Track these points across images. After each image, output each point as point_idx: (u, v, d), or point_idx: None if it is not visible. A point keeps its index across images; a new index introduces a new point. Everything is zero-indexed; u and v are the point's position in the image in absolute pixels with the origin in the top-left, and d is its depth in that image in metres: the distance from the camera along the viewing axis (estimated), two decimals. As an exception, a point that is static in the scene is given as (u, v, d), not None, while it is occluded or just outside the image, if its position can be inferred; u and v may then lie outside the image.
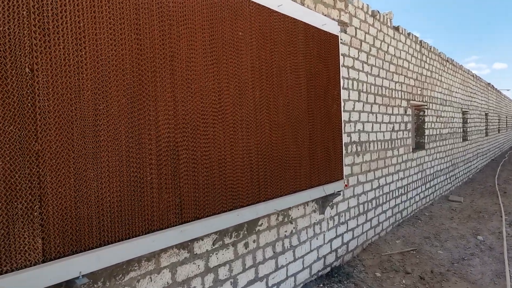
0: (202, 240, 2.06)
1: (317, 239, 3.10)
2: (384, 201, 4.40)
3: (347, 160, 3.55)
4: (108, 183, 1.42)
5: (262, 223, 2.50)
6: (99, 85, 1.40)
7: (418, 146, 5.91)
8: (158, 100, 1.61)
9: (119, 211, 1.45)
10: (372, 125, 4.10)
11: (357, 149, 3.75)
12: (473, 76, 9.40)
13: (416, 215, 5.26)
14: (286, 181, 2.45)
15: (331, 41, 2.99)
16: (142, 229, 1.53)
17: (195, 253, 2.02)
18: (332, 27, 2.98)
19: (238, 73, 2.05)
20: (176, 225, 1.69)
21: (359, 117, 3.81)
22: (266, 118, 2.27)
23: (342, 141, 3.10)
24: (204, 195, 1.85)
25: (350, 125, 3.63)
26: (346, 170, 3.53)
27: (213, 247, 2.13)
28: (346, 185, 3.25)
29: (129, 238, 1.48)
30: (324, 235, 3.20)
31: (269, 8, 2.26)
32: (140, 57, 1.54)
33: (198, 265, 2.04)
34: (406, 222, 4.89)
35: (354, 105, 3.71)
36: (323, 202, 3.12)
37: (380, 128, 4.29)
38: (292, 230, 2.80)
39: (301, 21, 2.59)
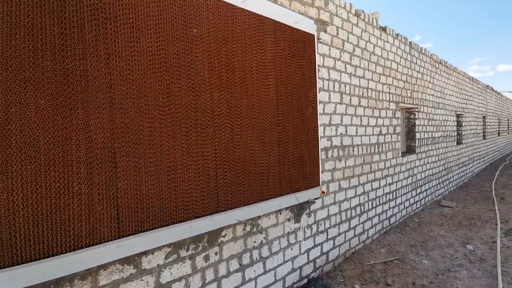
0: (152, 254, 1.90)
1: (291, 249, 2.93)
2: (370, 207, 4.23)
3: (327, 165, 3.39)
4: (20, 195, 1.26)
5: (226, 234, 2.33)
6: (12, 84, 1.25)
7: (409, 150, 5.74)
8: (89, 102, 1.46)
9: (34, 226, 1.29)
10: (357, 128, 3.94)
11: (338, 154, 3.59)
12: (469, 78, 9.23)
13: (405, 221, 5.08)
14: (251, 189, 2.28)
15: (306, 40, 2.83)
16: (65, 246, 1.37)
17: (143, 268, 1.85)
18: (307, 26, 2.83)
19: (191, 73, 1.90)
20: (111, 240, 1.53)
21: (341, 120, 3.65)
22: (226, 121, 2.11)
23: (318, 146, 2.94)
24: (149, 206, 1.69)
25: (331, 129, 3.47)
26: (326, 176, 3.37)
27: (166, 261, 1.97)
28: (323, 192, 3.08)
29: (48, 257, 1.32)
30: (300, 245, 3.03)
31: (230, 4, 2.11)
32: (66, 54, 1.39)
33: (147, 282, 1.87)
34: (394, 229, 4.71)
35: (335, 107, 3.55)
36: (299, 210, 2.95)
37: (365, 132, 4.12)
38: (262, 241, 2.63)
39: (270, 19, 2.44)
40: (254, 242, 2.57)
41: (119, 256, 1.56)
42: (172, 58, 1.79)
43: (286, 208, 2.85)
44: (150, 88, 1.69)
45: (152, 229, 1.71)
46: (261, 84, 2.36)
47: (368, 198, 4.17)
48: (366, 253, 3.84)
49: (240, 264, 2.45)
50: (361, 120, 4.03)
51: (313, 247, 3.19)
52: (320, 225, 3.30)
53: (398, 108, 5.05)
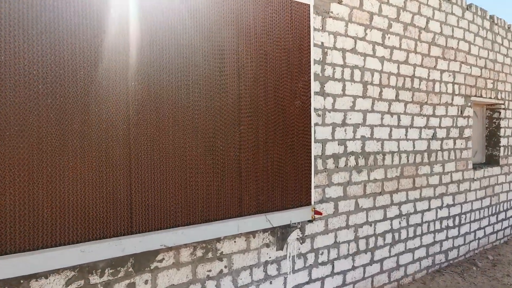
0: (47, 278, 1.56)
1: (271, 283, 2.29)
2: (412, 235, 3.19)
3: (336, 177, 2.59)
4: None
5: (163, 258, 1.86)
6: None
7: (489, 160, 4.28)
8: None
9: None
10: (391, 130, 2.98)
11: (357, 163, 2.73)
12: None
13: (473, 258, 3.76)
14: (189, 207, 1.76)
15: (296, 11, 2.14)
16: None
17: (31, 294, 1.53)
18: (295, -8, 2.13)
19: (82, 53, 1.48)
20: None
21: (364, 119, 2.78)
22: (151, 117, 1.63)
23: (310, 152, 2.21)
24: (19, 228, 1.35)
25: (345, 130, 2.65)
26: (334, 192, 2.58)
27: (66, 288, 1.61)
28: (318, 213, 2.33)
29: None
30: (285, 278, 2.35)
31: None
32: None
33: (35, 311, 1.55)
34: (453, 267, 3.50)
35: (354, 102, 2.71)
36: (283, 234, 2.28)
37: (406, 135, 3.11)
38: (222, 270, 2.08)
39: (228, -17, 1.85)
40: (209, 271, 2.03)
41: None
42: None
43: (264, 231, 2.22)
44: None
45: (44, 247, 1.36)
46: (211, 68, 1.81)
47: (407, 223, 3.15)
48: (397, 297, 2.88)
49: (183, 298, 1.95)
50: (399, 120, 3.04)
51: (307, 283, 2.47)
52: (321, 254, 2.54)
53: (470, 104, 3.75)
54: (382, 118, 2.91)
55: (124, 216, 1.59)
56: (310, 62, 2.20)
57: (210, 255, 2.03)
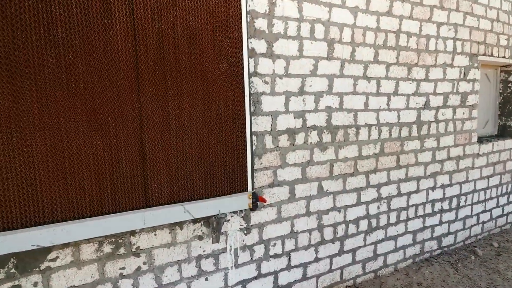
0: None
1: (207, 280, 1.98)
2: (393, 221, 2.76)
3: (292, 156, 2.18)
4: None
5: (57, 257, 1.59)
6: None
7: (503, 132, 3.65)
8: None
9: None
10: (367, 98, 2.48)
11: (320, 139, 2.29)
12: None
13: (473, 244, 3.28)
14: (71, 199, 1.44)
15: None
16: None
17: None
18: None
19: None
20: None
21: (330, 86, 2.30)
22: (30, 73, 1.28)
23: (244, 128, 1.80)
24: None
25: (304, 100, 2.19)
26: (292, 173, 2.18)
27: None
28: (261, 200, 1.95)
29: None
30: (226, 273, 2.04)
31: None
32: None
33: None
34: (446, 255, 3.05)
35: (315, 66, 2.22)
36: (219, 225, 1.94)
37: (388, 104, 2.60)
38: (140, 267, 1.79)
39: None
40: (122, 268, 1.75)
41: None
42: None
43: (194, 221, 1.89)
44: None
45: None
46: (89, 20, 1.40)
47: (388, 207, 2.70)
48: (370, 291, 2.51)
49: (90, 300, 1.69)
50: (378, 85, 2.52)
51: (256, 278, 2.15)
52: (274, 246, 2.19)
53: (476, 65, 3.11)
54: (355, 85, 2.41)
55: (-21, 212, 1.29)
56: (240, 13, 1.73)
57: (122, 250, 1.73)
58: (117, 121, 1.48)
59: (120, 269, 1.73)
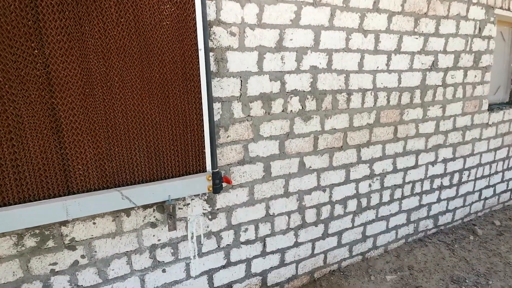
0: None
1: (164, 271, 1.71)
2: (386, 200, 2.45)
3: (268, 128, 1.81)
4: None
5: (-36, 254, 1.28)
6: None
7: (516, 99, 3.24)
8: None
9: None
10: (362, 57, 2.04)
11: (303, 107, 1.90)
12: None
13: (473, 222, 3.02)
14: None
15: None
16: None
17: None
18: None
19: None
20: None
21: (316, 41, 1.85)
22: None
23: (199, 94, 1.40)
24: None
25: (283, 57, 1.77)
26: (267, 148, 1.82)
27: None
28: (226, 180, 1.62)
29: None
30: (188, 264, 1.76)
31: None
32: None
33: None
34: (442, 235, 2.80)
35: (297, 13, 1.76)
36: (174, 210, 1.62)
37: (388, 64, 2.16)
38: (77, 261, 1.49)
39: None
40: (54, 264, 1.45)
41: None
42: None
43: (145, 207, 1.57)
44: None
45: None
46: None
47: (382, 185, 2.38)
48: (355, 276, 2.27)
49: (15, 301, 1.41)
50: (376, 41, 2.07)
51: (224, 267, 1.88)
52: (245, 231, 1.90)
53: (492, 19, 2.61)
54: (348, 39, 1.96)
55: None
56: None
57: (51, 243, 1.42)
58: (13, 83, 1.08)
59: (50, 264, 1.44)
